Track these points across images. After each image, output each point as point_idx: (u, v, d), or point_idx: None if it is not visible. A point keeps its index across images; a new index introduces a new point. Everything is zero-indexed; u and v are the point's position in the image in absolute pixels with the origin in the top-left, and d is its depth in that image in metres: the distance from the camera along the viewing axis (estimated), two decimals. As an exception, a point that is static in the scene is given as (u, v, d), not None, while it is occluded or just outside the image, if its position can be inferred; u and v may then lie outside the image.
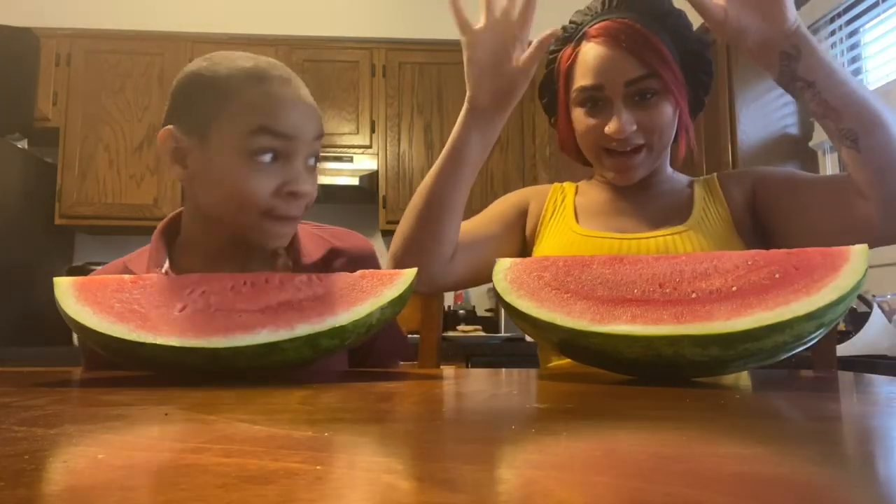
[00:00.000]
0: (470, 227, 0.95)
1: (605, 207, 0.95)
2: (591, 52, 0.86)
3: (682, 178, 0.99)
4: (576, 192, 1.00)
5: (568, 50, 0.91)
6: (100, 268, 0.86)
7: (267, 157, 0.70)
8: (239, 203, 0.70)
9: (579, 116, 0.89)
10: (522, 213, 1.00)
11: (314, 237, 0.86)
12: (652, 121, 0.85)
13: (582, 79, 0.87)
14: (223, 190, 0.71)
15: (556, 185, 1.03)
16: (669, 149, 0.94)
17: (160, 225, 0.81)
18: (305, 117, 0.72)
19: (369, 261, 0.88)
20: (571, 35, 0.91)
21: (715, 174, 0.96)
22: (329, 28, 3.05)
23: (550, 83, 0.97)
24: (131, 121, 2.90)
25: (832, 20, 2.45)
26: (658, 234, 0.87)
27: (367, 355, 0.89)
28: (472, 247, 0.91)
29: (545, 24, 0.83)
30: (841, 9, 2.39)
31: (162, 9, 3.02)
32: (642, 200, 0.94)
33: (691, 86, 0.91)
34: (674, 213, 0.91)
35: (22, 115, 2.38)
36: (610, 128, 0.85)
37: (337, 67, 2.99)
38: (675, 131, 0.90)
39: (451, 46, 3.08)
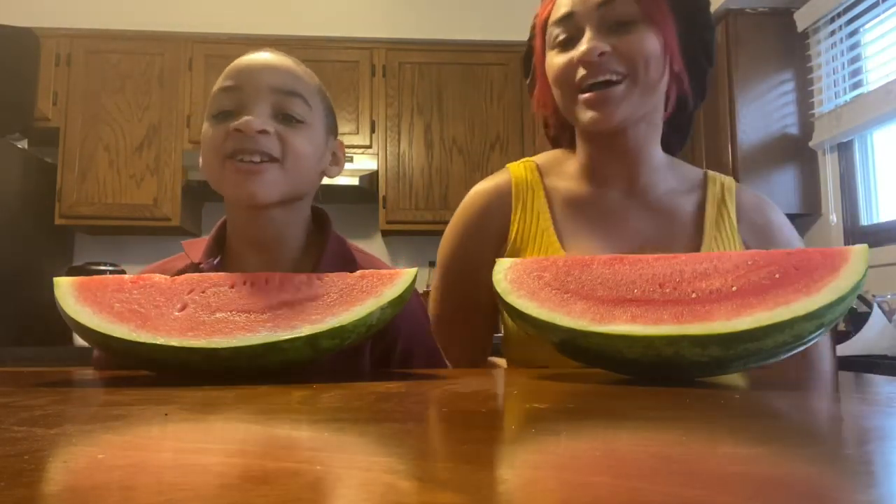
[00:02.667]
0: (463, 316, 0.86)
1: (592, 220, 0.80)
2: None
3: (682, 169, 0.84)
4: (541, 175, 0.84)
5: (547, 2, 0.80)
6: (153, 264, 0.85)
7: (223, 115, 0.72)
8: (206, 159, 0.74)
9: (551, 57, 0.77)
10: (485, 251, 0.82)
11: (346, 252, 0.83)
12: (631, 46, 0.72)
13: (554, 14, 0.76)
14: (202, 155, 0.75)
15: (515, 170, 0.86)
16: (659, 119, 0.79)
17: (218, 223, 0.84)
18: (260, 70, 0.73)
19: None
20: None
21: (735, 187, 0.82)
22: (329, 28, 3.05)
23: (530, 53, 0.86)
24: (131, 121, 2.90)
25: (832, 20, 2.45)
26: None
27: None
28: (478, 323, 0.86)
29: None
30: (841, 9, 2.39)
31: (162, 9, 3.02)
32: (636, 212, 0.80)
33: (689, 42, 0.78)
34: (680, 236, 0.79)
35: (22, 115, 2.38)
36: (579, 51, 0.72)
37: (337, 67, 2.99)
38: (664, 75, 0.76)
39: (451, 46, 3.09)
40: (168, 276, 0.63)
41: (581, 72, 0.73)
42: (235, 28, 3.01)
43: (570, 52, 0.74)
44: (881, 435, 0.32)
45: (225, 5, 3.06)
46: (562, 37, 0.75)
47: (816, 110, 2.51)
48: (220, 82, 0.74)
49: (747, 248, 0.79)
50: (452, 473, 0.23)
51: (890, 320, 1.82)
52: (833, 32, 2.46)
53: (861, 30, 2.38)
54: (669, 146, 0.85)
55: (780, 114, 2.56)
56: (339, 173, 0.84)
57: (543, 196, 0.82)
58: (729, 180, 0.84)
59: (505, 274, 0.60)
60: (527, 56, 0.87)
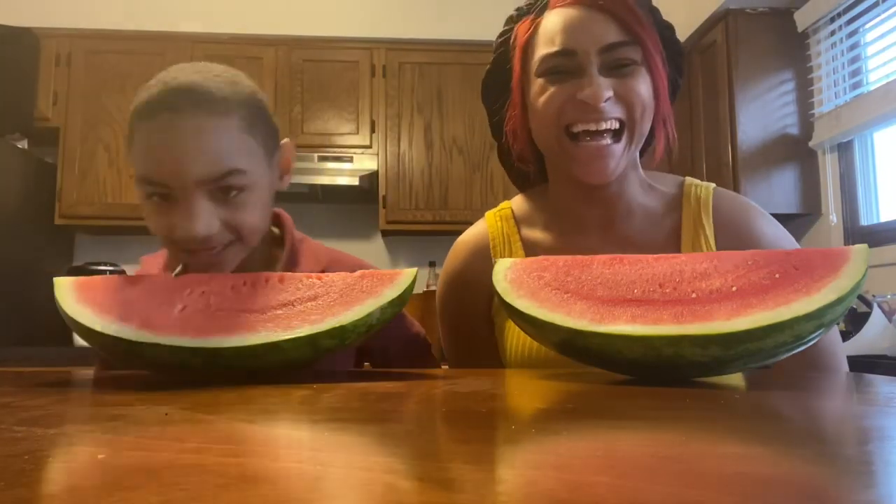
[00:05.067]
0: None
1: (566, 249, 0.77)
2: (557, 16, 0.71)
3: (658, 188, 0.81)
4: (518, 225, 0.83)
5: (526, 22, 0.75)
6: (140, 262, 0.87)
7: (156, 199, 0.68)
8: (156, 234, 0.70)
9: (539, 86, 0.72)
10: (477, 306, 0.82)
11: (312, 255, 0.83)
12: (630, 90, 0.70)
13: (545, 46, 0.71)
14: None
15: (491, 220, 0.85)
16: (638, 163, 0.79)
17: None
18: (181, 160, 0.65)
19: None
20: (528, 9, 0.76)
21: (711, 199, 0.78)
22: (329, 28, 3.06)
23: (498, 73, 0.80)
24: (131, 121, 2.90)
25: (832, 20, 2.45)
26: None
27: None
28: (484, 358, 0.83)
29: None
30: (841, 9, 2.39)
31: (162, 9, 3.02)
32: (611, 242, 0.77)
33: (670, 80, 0.77)
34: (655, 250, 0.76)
35: (22, 115, 2.38)
36: (585, 92, 0.68)
37: (337, 67, 2.99)
38: (650, 120, 0.74)
39: (451, 46, 3.09)
40: (167, 277, 0.63)
41: (579, 114, 0.70)
42: (235, 28, 3.01)
43: (566, 86, 0.70)
44: (881, 435, 0.32)
45: (225, 5, 3.06)
46: (558, 70, 0.71)
47: (816, 110, 2.51)
48: (138, 166, 0.67)
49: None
50: (452, 473, 0.23)
51: (890, 320, 1.82)
52: (833, 32, 2.46)
53: (861, 30, 2.38)
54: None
55: (780, 114, 2.56)
56: (289, 182, 0.79)
57: (521, 248, 0.81)
58: (705, 191, 0.79)
59: (505, 274, 0.60)
60: (492, 78, 0.82)
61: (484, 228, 0.85)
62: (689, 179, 0.82)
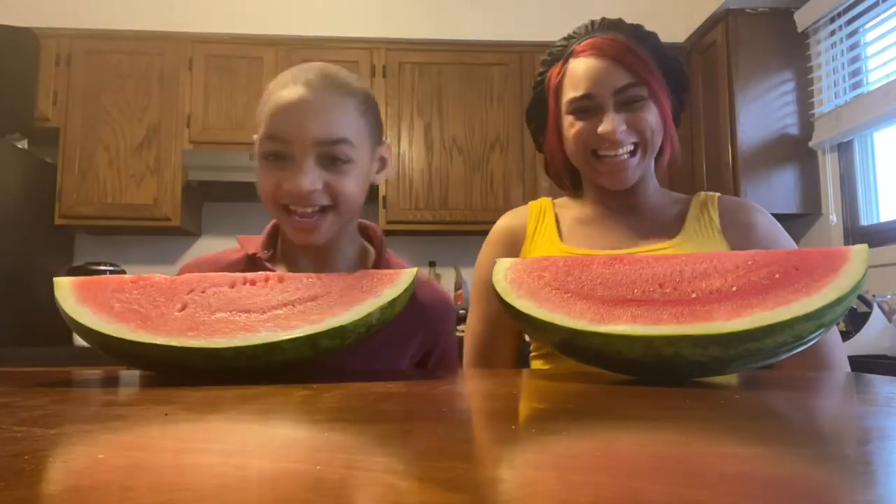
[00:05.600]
0: (489, 333, 0.97)
1: (590, 224, 0.96)
2: (580, 65, 0.89)
3: (672, 194, 0.99)
4: (554, 206, 1.01)
5: (556, 68, 0.94)
6: (200, 258, 0.90)
7: (271, 159, 0.76)
8: (263, 199, 0.79)
9: (570, 123, 0.91)
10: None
11: (401, 265, 0.87)
12: (640, 120, 0.87)
13: (572, 90, 0.89)
14: (259, 187, 0.80)
15: (533, 203, 1.03)
16: (653, 162, 0.95)
17: (273, 220, 0.87)
18: (302, 120, 0.75)
19: (449, 302, 0.91)
20: (558, 56, 0.95)
21: (717, 196, 0.96)
22: (329, 28, 3.05)
23: (539, 105, 0.99)
24: (131, 121, 2.90)
25: (832, 20, 2.45)
26: (649, 249, 0.88)
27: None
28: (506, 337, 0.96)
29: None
30: (841, 9, 2.39)
31: (162, 9, 3.02)
32: (630, 215, 0.95)
33: (674, 102, 0.94)
34: (663, 227, 0.93)
35: (22, 115, 2.38)
36: (603, 128, 0.86)
37: (337, 67, 2.99)
38: (661, 139, 0.92)
39: (451, 46, 3.09)
40: (168, 277, 0.63)
41: (601, 142, 0.87)
42: (235, 28, 3.00)
43: (589, 122, 0.88)
44: (881, 435, 0.32)
45: (225, 5, 3.06)
46: (583, 109, 0.89)
47: (816, 110, 2.51)
48: (265, 126, 0.76)
49: (732, 248, 0.88)
50: (452, 473, 0.23)
51: (890, 320, 1.82)
52: (833, 32, 2.46)
53: (861, 30, 2.38)
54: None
55: (780, 114, 2.56)
56: (385, 177, 0.89)
57: (553, 218, 0.99)
58: (711, 194, 0.96)
59: (505, 274, 0.60)
60: (534, 108, 1.00)
61: (524, 210, 1.02)
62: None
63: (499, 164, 2.98)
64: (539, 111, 0.99)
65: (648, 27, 0.93)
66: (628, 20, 0.93)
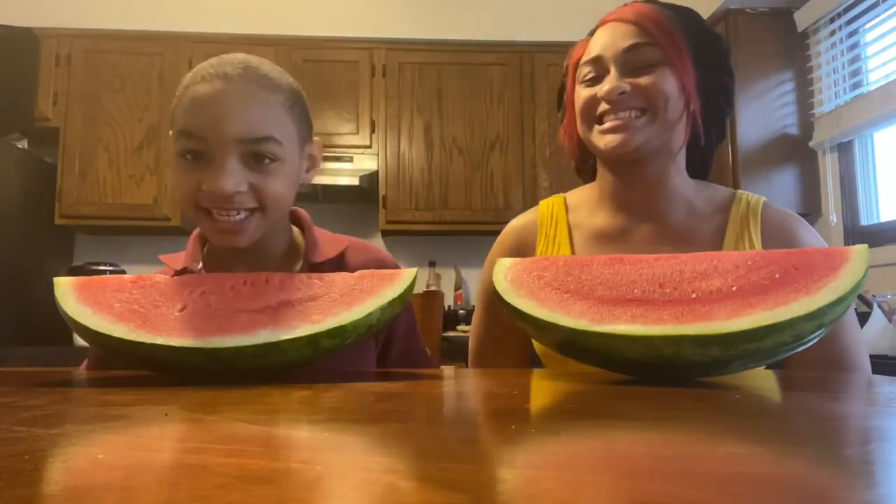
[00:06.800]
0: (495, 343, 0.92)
1: (609, 242, 0.84)
2: (598, 34, 0.82)
3: (708, 194, 0.85)
4: (566, 212, 0.90)
5: (581, 43, 0.86)
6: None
7: (189, 157, 0.71)
8: (180, 200, 0.74)
9: (578, 94, 0.83)
10: None
11: (332, 239, 0.87)
12: (649, 84, 0.77)
13: (584, 58, 0.82)
14: (176, 188, 0.75)
15: (543, 206, 0.92)
16: (683, 156, 0.84)
17: (196, 230, 0.85)
18: (222, 118, 0.69)
19: (388, 263, 0.88)
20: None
21: (761, 208, 0.83)
22: (329, 28, 3.05)
23: (563, 88, 0.91)
24: (131, 121, 2.90)
25: (832, 20, 2.45)
26: None
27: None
28: (512, 346, 0.91)
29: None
30: (841, 9, 2.39)
31: (162, 9, 3.02)
32: (654, 232, 0.83)
33: (709, 87, 0.83)
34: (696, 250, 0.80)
35: (22, 115, 2.38)
36: (601, 89, 0.78)
37: (337, 67, 2.99)
38: (682, 114, 0.80)
39: (451, 46, 3.09)
40: (168, 277, 0.63)
41: (603, 107, 0.79)
42: (235, 28, 3.00)
43: (593, 87, 0.80)
44: (881, 435, 0.32)
45: (225, 5, 3.06)
46: (590, 75, 0.81)
47: (816, 110, 2.51)
48: (180, 120, 0.71)
49: None
50: (452, 473, 0.23)
51: (890, 320, 1.82)
52: (833, 32, 2.46)
53: (861, 30, 2.38)
54: (692, 175, 0.88)
55: (780, 114, 2.56)
56: (313, 177, 0.83)
57: (566, 229, 0.88)
58: (755, 199, 0.84)
59: (505, 274, 0.60)
60: (560, 91, 0.93)
61: (535, 214, 0.92)
62: (741, 191, 0.87)
63: (499, 164, 2.98)
64: (562, 95, 0.91)
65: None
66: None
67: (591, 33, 0.85)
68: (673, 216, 0.83)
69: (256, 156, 0.71)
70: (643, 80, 0.77)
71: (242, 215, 0.71)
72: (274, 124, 0.71)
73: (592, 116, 0.81)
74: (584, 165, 0.92)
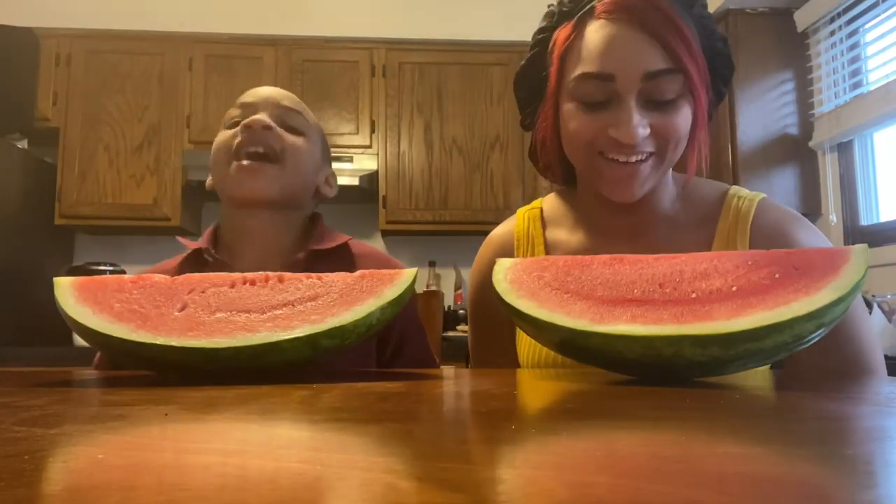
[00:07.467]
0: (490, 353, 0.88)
1: (588, 253, 0.74)
2: (600, 31, 0.66)
3: (696, 199, 0.78)
4: (544, 229, 0.82)
5: (567, 28, 0.70)
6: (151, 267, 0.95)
7: (234, 124, 0.85)
8: (214, 159, 0.85)
9: (572, 111, 0.69)
10: None
11: (333, 233, 0.93)
12: (668, 127, 0.67)
13: (585, 64, 0.67)
14: (211, 158, 0.87)
15: (519, 219, 0.84)
16: (668, 178, 0.78)
17: (215, 222, 0.94)
18: (269, 92, 0.87)
19: (386, 261, 0.93)
20: (571, 12, 0.71)
21: (752, 213, 0.74)
22: (329, 28, 3.06)
23: (532, 71, 0.77)
24: (131, 121, 2.90)
25: (832, 20, 2.45)
26: None
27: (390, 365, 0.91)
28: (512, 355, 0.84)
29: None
30: (841, 9, 2.39)
31: (162, 9, 3.02)
32: (636, 251, 0.74)
33: (713, 86, 0.74)
34: None
35: (22, 115, 2.38)
36: (619, 132, 0.66)
37: (337, 67, 2.99)
38: (684, 147, 0.72)
39: (451, 46, 3.09)
40: (168, 276, 0.63)
41: (610, 147, 0.68)
42: (235, 28, 3.01)
43: (600, 115, 0.67)
44: (881, 435, 0.32)
45: (225, 5, 3.06)
46: (595, 98, 0.68)
47: (816, 110, 2.51)
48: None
49: None
50: (452, 473, 0.23)
51: (890, 320, 1.82)
52: (833, 32, 2.46)
53: (861, 30, 2.38)
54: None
55: (780, 114, 2.56)
56: (331, 195, 0.94)
57: (543, 250, 0.81)
58: (748, 204, 0.75)
59: (505, 274, 0.60)
60: (526, 74, 0.79)
61: (511, 227, 0.86)
62: (733, 190, 0.78)
63: (499, 164, 2.98)
64: (531, 79, 0.77)
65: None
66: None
67: (579, 17, 0.70)
68: (655, 237, 0.76)
69: (287, 125, 0.86)
70: (662, 122, 0.67)
71: (265, 160, 0.82)
72: (305, 116, 0.90)
73: (594, 148, 0.70)
74: (556, 170, 0.82)
